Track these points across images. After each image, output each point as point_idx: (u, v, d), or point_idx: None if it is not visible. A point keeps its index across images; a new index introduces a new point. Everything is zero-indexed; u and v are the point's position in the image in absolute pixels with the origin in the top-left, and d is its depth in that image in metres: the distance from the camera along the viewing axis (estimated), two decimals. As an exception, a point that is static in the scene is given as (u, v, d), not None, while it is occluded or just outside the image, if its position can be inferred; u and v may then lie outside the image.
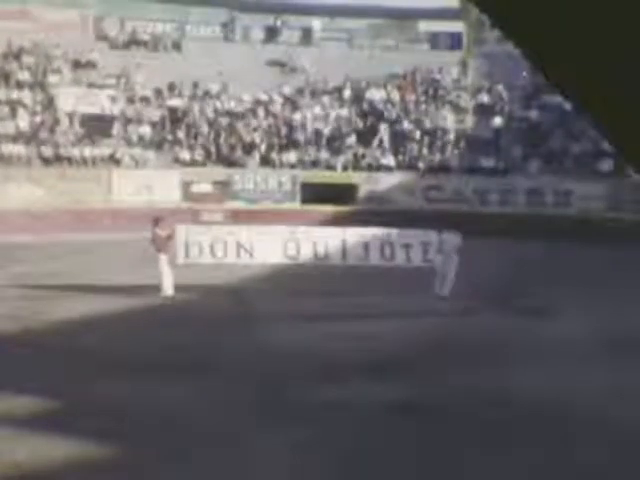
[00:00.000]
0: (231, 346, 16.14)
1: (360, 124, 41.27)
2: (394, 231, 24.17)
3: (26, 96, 38.57)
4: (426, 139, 40.26)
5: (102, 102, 39.33)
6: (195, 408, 12.25)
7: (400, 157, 39.69)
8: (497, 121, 40.98)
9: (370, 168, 39.12)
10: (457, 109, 42.36)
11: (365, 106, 42.28)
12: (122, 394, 12.73)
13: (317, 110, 41.68)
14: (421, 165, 39.26)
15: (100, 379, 13.48)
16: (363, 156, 39.56)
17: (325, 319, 18.65)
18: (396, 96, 42.64)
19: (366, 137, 40.42)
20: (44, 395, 12.58)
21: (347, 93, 42.92)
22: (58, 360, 14.76)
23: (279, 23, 46.39)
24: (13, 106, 37.79)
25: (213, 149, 38.93)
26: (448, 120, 41.46)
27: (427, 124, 41.25)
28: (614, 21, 2.37)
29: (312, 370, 14.45)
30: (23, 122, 37.25)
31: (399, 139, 40.47)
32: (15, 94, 38.39)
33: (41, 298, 20.43)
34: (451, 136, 40.64)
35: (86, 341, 16.29)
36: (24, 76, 39.56)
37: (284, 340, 16.57)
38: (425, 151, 39.88)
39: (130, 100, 40.20)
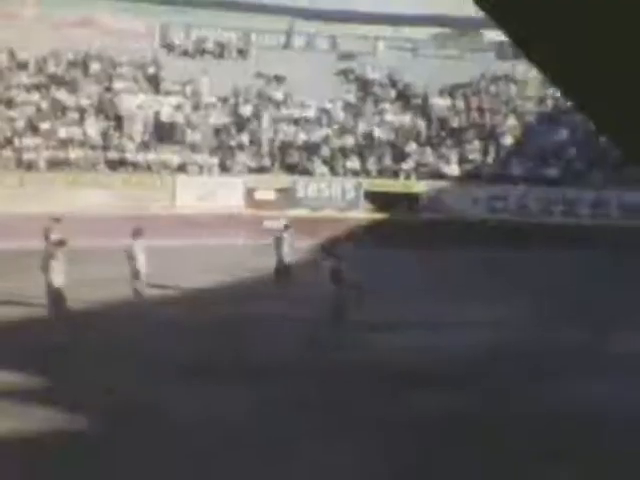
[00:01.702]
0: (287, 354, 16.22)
1: (424, 133, 41.16)
2: None
3: (93, 102, 39.04)
4: (490, 148, 40.02)
5: (167, 109, 39.69)
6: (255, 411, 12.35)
7: (463, 166, 39.51)
8: (562, 131, 40.61)
9: (433, 177, 38.96)
10: (522, 118, 42.07)
11: (429, 114, 42.14)
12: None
13: (381, 118, 41.64)
14: (485, 174, 39.02)
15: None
16: (426, 164, 39.43)
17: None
18: (461, 105, 42.48)
19: (430, 145, 40.32)
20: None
21: (411, 102, 42.83)
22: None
23: (343, 32, 46.44)
24: (81, 112, 38.29)
25: (277, 156, 39.05)
26: (513, 129, 41.21)
27: (491, 133, 41.03)
28: (613, 30, 2.36)
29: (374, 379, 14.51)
30: (90, 128, 37.71)
31: (463, 148, 40.30)
32: (82, 100, 38.88)
33: (100, 304, 20.50)
34: (515, 145, 40.35)
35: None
36: (91, 83, 40.08)
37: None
38: (489, 160, 39.62)
39: (195, 107, 40.50)
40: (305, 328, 18.66)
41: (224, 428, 12.20)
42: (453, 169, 39.25)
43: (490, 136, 41.08)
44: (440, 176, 39.03)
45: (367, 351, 16.88)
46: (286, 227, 26.15)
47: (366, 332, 18.33)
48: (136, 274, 20.62)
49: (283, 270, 25.55)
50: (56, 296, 18.75)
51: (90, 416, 12.55)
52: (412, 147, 40.15)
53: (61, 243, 19.47)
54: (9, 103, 37.87)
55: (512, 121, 41.80)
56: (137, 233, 20.93)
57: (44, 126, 37.15)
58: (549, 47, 2.47)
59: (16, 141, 36.21)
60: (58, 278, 18.68)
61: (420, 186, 38.63)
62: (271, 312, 20.40)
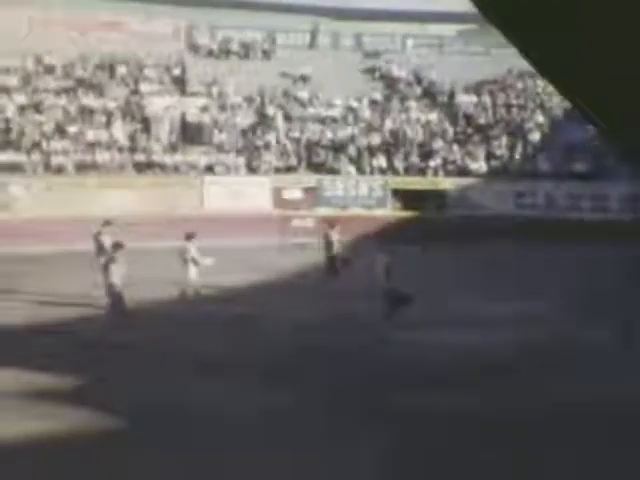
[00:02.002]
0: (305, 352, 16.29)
1: (451, 130, 41.08)
2: None
3: (120, 105, 39.23)
4: (518, 144, 39.88)
5: (194, 110, 39.82)
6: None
7: (491, 162, 39.39)
8: (590, 125, 40.30)
9: (460, 174, 38.88)
10: (549, 113, 41.89)
11: (456, 111, 42.07)
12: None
13: (407, 116, 41.60)
14: (512, 171, 38.88)
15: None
16: (453, 161, 39.35)
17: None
18: (488, 101, 42.36)
19: (457, 142, 40.23)
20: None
21: (438, 99, 42.78)
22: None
23: (368, 30, 46.40)
24: (107, 115, 38.48)
25: (303, 155, 39.08)
26: (540, 125, 41.03)
27: (519, 128, 40.89)
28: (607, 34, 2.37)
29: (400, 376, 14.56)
30: (117, 131, 37.90)
31: (490, 144, 40.19)
32: (109, 103, 39.09)
33: (140, 303, 20.62)
34: (543, 141, 40.18)
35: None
36: (117, 85, 40.30)
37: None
38: (517, 156, 39.48)
39: (221, 107, 40.61)
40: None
41: (251, 425, 12.27)
42: (480, 166, 39.14)
43: (517, 132, 40.94)
44: (467, 173, 38.94)
45: (391, 348, 16.90)
46: (333, 225, 26.36)
47: (391, 330, 18.36)
48: (190, 275, 21.22)
49: (335, 266, 25.64)
50: (117, 298, 19.31)
51: (128, 415, 12.63)
52: (439, 144, 40.09)
53: (118, 246, 19.90)
54: (37, 107, 38.13)
55: (539, 117, 41.63)
56: (190, 236, 21.41)
57: (72, 129, 37.39)
58: (544, 46, 2.50)
59: (44, 145, 36.47)
60: (118, 280, 19.20)
61: (447, 183, 38.56)
62: (313, 310, 20.49)
